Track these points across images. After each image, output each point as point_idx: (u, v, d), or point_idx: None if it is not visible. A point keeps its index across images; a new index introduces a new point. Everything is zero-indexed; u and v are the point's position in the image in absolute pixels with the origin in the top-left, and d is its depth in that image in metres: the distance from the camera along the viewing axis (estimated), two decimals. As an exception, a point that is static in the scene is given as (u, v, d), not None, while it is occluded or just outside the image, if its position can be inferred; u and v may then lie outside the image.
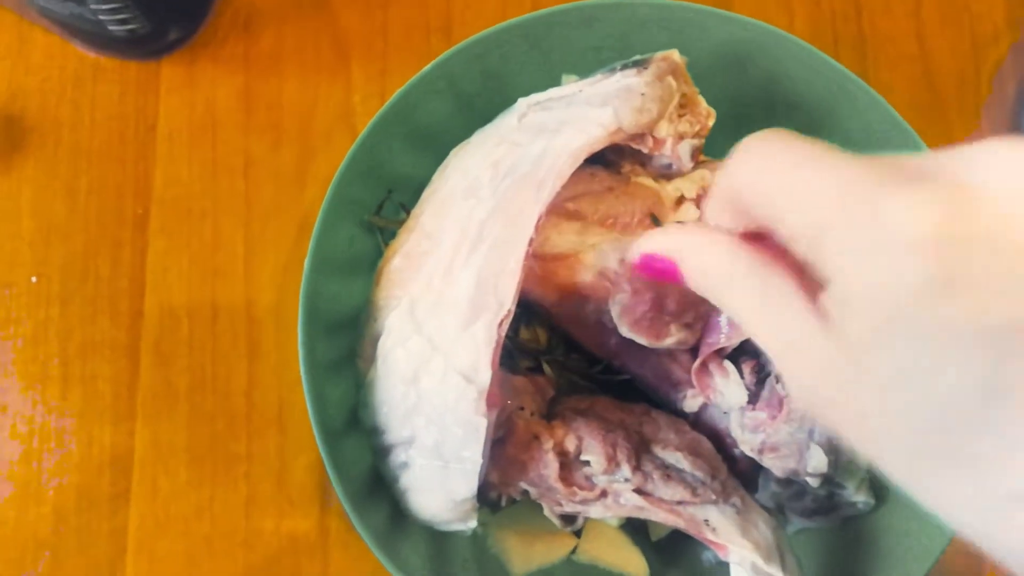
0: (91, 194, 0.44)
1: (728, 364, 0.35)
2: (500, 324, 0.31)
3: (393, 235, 0.37)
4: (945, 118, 0.47)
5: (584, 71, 0.38)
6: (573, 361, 0.37)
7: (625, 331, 0.34)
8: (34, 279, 0.43)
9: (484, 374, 0.31)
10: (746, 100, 0.39)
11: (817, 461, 0.32)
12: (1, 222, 0.44)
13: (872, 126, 0.37)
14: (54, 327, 0.43)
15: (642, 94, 0.31)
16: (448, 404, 0.31)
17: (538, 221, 0.31)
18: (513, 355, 0.36)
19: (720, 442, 0.35)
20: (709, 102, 0.35)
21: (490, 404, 0.31)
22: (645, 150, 0.32)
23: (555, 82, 0.39)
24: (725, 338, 0.35)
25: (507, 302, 0.31)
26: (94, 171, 0.45)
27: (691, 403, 0.35)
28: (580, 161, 0.31)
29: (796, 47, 0.37)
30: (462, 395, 0.31)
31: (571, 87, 0.34)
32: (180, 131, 0.45)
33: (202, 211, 0.44)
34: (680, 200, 0.36)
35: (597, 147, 0.31)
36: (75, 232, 0.44)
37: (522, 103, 0.35)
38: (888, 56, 0.49)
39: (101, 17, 0.40)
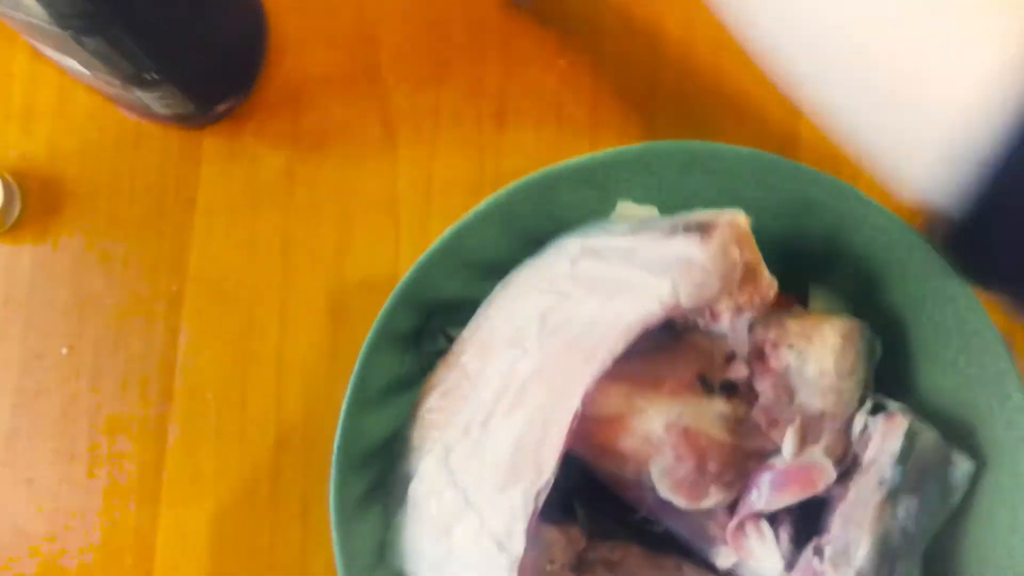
0: (127, 267, 0.44)
1: (766, 527, 0.34)
2: (537, 494, 0.30)
3: (432, 363, 0.36)
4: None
5: (643, 200, 0.37)
6: (607, 505, 0.36)
7: (665, 493, 0.33)
8: (65, 351, 0.43)
9: (518, 544, 0.30)
10: (806, 246, 0.37)
11: (851, 653, 0.31)
12: (38, 289, 0.43)
13: (933, 284, 0.35)
14: (83, 402, 0.42)
15: (703, 269, 0.30)
16: (479, 567, 0.31)
17: (585, 396, 0.30)
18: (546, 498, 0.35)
19: (750, 603, 0.35)
20: (764, 244, 0.33)
21: (522, 573, 0.30)
22: (701, 323, 0.31)
23: (610, 207, 0.37)
24: (764, 503, 0.34)
25: (547, 472, 0.30)
26: (131, 242, 0.44)
27: (724, 560, 0.35)
28: (633, 337, 0.30)
29: (865, 204, 0.35)
30: (494, 561, 0.31)
31: (629, 240, 0.32)
32: (219, 205, 0.44)
33: (237, 292, 0.44)
34: (731, 357, 0.34)
35: (652, 323, 0.30)
36: (109, 305, 0.43)
37: (575, 245, 0.34)
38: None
39: (145, 100, 0.39)
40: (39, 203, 0.44)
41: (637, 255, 0.32)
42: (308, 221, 0.44)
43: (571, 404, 0.30)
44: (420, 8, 0.45)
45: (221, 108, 0.43)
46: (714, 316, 0.31)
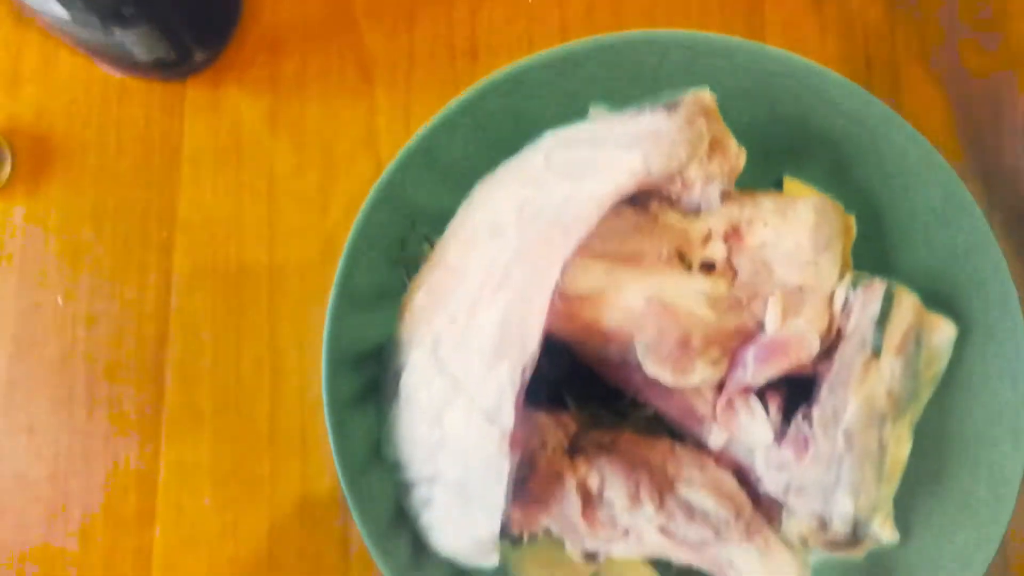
0: (117, 217, 0.45)
1: (754, 401, 0.35)
2: (524, 368, 0.31)
3: (417, 269, 0.37)
4: (982, 142, 0.46)
5: (613, 102, 0.38)
6: (596, 393, 0.36)
7: (650, 369, 0.34)
8: (60, 300, 0.44)
9: (507, 417, 0.31)
10: (777, 133, 0.38)
11: (843, 507, 0.31)
12: (31, 243, 0.44)
13: (908, 160, 0.36)
14: (80, 349, 0.43)
15: (672, 139, 0.31)
16: (471, 444, 0.31)
17: (563, 268, 0.31)
18: (535, 387, 0.36)
19: (744, 478, 0.35)
20: (737, 134, 0.34)
21: (513, 446, 0.31)
22: (674, 193, 0.32)
23: (583, 112, 0.38)
24: (751, 376, 0.34)
25: (531, 346, 0.31)
26: (120, 194, 0.45)
27: (716, 439, 0.35)
28: (607, 208, 0.31)
29: (831, 81, 0.36)
30: (485, 437, 0.31)
31: (599, 126, 0.33)
32: (205, 154, 0.45)
33: (226, 235, 0.45)
34: (708, 237, 0.35)
35: (625, 194, 0.31)
36: (101, 254, 0.44)
37: (549, 139, 0.35)
38: (923, 77, 0.48)
39: (126, 44, 0.40)
40: (29, 161, 0.45)
41: (606, 139, 0.33)
42: (292, 164, 0.45)
43: (551, 276, 0.31)
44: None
45: (200, 57, 0.44)
46: (686, 185, 0.32)
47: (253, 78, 0.46)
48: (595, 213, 0.31)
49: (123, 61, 0.43)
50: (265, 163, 0.45)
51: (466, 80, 0.46)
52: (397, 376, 0.34)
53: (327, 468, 0.42)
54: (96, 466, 0.42)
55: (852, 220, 0.37)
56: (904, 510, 0.35)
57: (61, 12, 0.37)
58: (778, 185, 0.40)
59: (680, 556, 0.32)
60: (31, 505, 0.42)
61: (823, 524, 0.34)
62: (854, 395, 0.33)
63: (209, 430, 0.43)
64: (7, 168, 0.44)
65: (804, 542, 0.35)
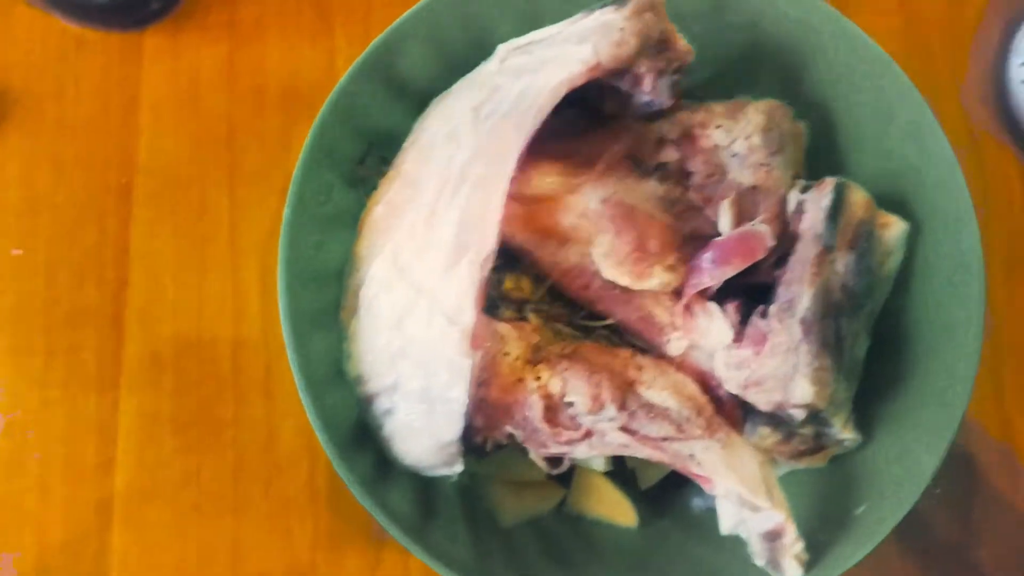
0: (76, 165, 0.44)
1: (712, 304, 0.35)
2: (483, 263, 0.31)
3: (375, 188, 0.37)
4: (930, 56, 0.47)
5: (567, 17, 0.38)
6: (557, 308, 0.36)
7: (608, 272, 0.34)
8: (17, 251, 0.43)
9: (468, 315, 0.31)
10: (728, 44, 0.39)
11: (802, 392, 0.31)
12: (-14, 193, 0.44)
13: (856, 63, 0.37)
14: (39, 298, 0.43)
15: (620, 28, 0.31)
16: (433, 347, 0.31)
17: (519, 157, 0.31)
18: (497, 304, 0.36)
19: (706, 384, 0.35)
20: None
21: (475, 345, 0.31)
22: (625, 87, 0.32)
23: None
24: (708, 277, 0.34)
25: (490, 240, 0.31)
26: (79, 143, 0.44)
27: (676, 346, 0.35)
28: (560, 96, 0.31)
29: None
30: (446, 337, 0.31)
31: (551, 29, 0.34)
32: (164, 101, 0.45)
33: (188, 179, 0.44)
34: (662, 140, 0.36)
35: (577, 82, 0.31)
36: (61, 203, 0.44)
37: (502, 48, 0.35)
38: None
39: (82, -16, 0.40)
40: (-15, 113, 0.45)
41: (559, 37, 0.33)
42: (252, 107, 0.45)
43: (507, 169, 0.31)
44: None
45: (156, 4, 0.44)
46: (637, 79, 0.32)
47: (211, 25, 0.46)
48: (548, 103, 0.31)
49: (79, 8, 0.43)
50: (225, 108, 0.45)
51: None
52: (357, 291, 0.34)
53: (292, 409, 0.41)
54: (55, 416, 0.41)
55: (802, 127, 0.38)
56: (864, 410, 0.35)
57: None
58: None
59: (642, 453, 0.32)
60: (-12, 454, 0.41)
61: (788, 435, 0.34)
62: (808, 286, 0.33)
63: (170, 375, 0.42)
64: (-37, 120, 0.44)
65: (768, 452, 0.36)
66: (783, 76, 0.39)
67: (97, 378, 0.42)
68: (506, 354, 0.34)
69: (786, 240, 0.36)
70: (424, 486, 0.34)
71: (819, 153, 0.38)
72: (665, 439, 0.32)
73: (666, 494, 0.37)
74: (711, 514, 0.34)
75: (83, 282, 0.43)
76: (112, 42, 0.46)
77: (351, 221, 0.36)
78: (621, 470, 0.38)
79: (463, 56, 0.37)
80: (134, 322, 0.42)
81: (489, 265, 0.31)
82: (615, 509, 0.37)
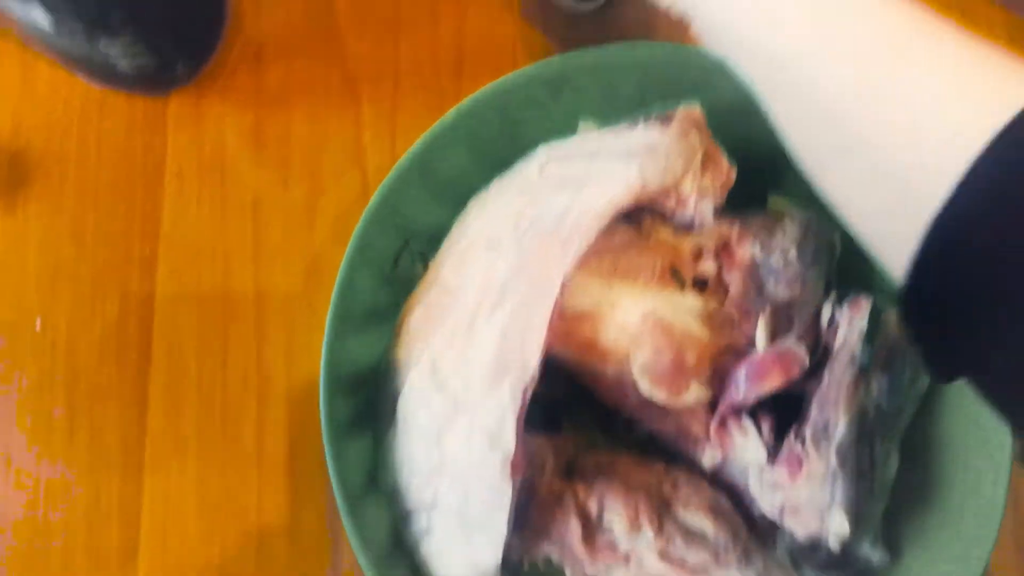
0: (98, 233, 0.43)
1: (747, 420, 0.35)
2: (525, 388, 0.31)
3: (411, 287, 0.36)
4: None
5: (602, 116, 0.38)
6: (592, 415, 0.36)
7: (645, 388, 0.34)
8: (39, 323, 0.42)
9: (509, 440, 0.31)
10: (759, 148, 0.38)
11: (839, 524, 0.32)
12: (6, 262, 0.43)
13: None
14: (60, 373, 0.42)
15: (666, 152, 0.31)
16: (472, 467, 0.31)
17: (564, 282, 0.31)
18: (531, 408, 0.36)
19: (739, 499, 0.35)
20: (724, 148, 0.35)
21: (515, 470, 0.31)
22: (669, 206, 0.32)
23: (573, 126, 0.38)
24: (743, 395, 0.35)
25: (532, 365, 0.31)
26: (101, 210, 0.44)
27: (709, 460, 0.35)
28: (606, 221, 0.31)
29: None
30: (486, 460, 0.31)
31: (593, 139, 0.34)
32: (188, 168, 0.44)
33: (211, 251, 0.44)
34: (699, 253, 0.36)
35: (623, 207, 0.31)
36: (82, 273, 0.43)
37: (542, 152, 0.35)
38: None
39: (110, 55, 0.39)
40: (7, 177, 0.44)
41: (600, 151, 0.33)
42: (277, 178, 0.45)
43: (551, 290, 0.31)
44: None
45: (183, 69, 0.43)
46: (680, 201, 0.32)
47: (237, 91, 0.45)
48: (594, 226, 0.31)
49: (105, 73, 0.42)
50: (250, 178, 0.45)
51: (452, 93, 0.46)
52: (394, 399, 0.34)
53: (317, 496, 0.41)
54: (77, 498, 0.41)
55: (836, 237, 0.38)
56: (893, 527, 0.35)
57: (44, 21, 0.36)
58: (763, 204, 0.40)
59: (680, 578, 0.32)
60: (8, 538, 0.40)
61: (815, 545, 0.35)
62: (844, 411, 0.34)
63: (193, 458, 0.41)
64: (-18, 185, 0.43)
65: (795, 561, 0.36)
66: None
67: (120, 458, 0.41)
68: (542, 468, 0.34)
69: (818, 350, 0.36)
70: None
71: (850, 259, 0.38)
72: (703, 568, 0.32)
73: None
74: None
75: (104, 358, 0.42)
76: (136, 105, 0.45)
77: (385, 319, 0.36)
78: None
79: (500, 153, 0.37)
80: (157, 402, 0.42)
81: (531, 391, 0.31)
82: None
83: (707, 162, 0.32)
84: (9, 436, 0.41)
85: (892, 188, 0.20)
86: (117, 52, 0.38)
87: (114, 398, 0.42)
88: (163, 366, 0.42)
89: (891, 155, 0.20)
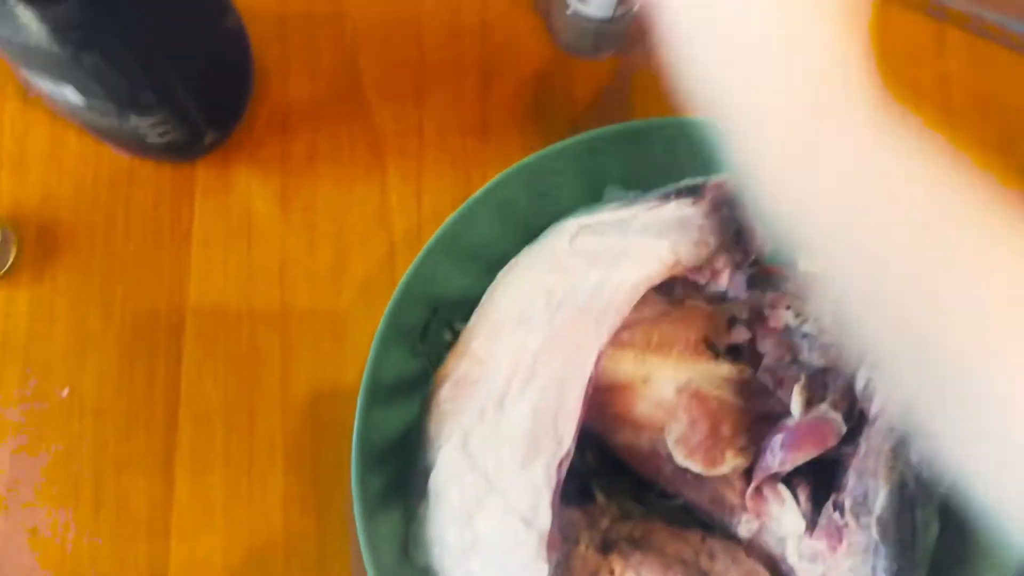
0: (126, 303, 0.44)
1: (783, 488, 0.35)
2: (560, 465, 0.30)
3: (439, 356, 0.36)
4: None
5: (631, 184, 0.38)
6: (625, 483, 0.36)
7: (681, 460, 0.34)
8: (65, 393, 0.42)
9: (544, 518, 0.30)
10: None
11: (884, 601, 0.31)
12: (35, 332, 0.43)
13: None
14: (87, 442, 0.42)
15: (699, 226, 0.31)
16: (507, 548, 0.31)
17: (598, 359, 0.30)
18: (564, 480, 0.35)
19: (776, 569, 0.35)
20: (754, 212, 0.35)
21: (550, 548, 0.30)
22: (702, 280, 0.32)
23: (599, 193, 0.38)
24: (779, 463, 0.34)
25: (567, 442, 0.30)
26: (129, 279, 0.44)
27: (746, 528, 0.35)
28: (639, 296, 0.31)
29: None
30: (521, 539, 0.30)
31: (622, 210, 0.34)
32: (215, 235, 0.45)
33: (237, 318, 0.44)
34: (732, 322, 0.35)
35: (656, 281, 0.31)
36: (109, 342, 0.43)
37: (572, 224, 0.35)
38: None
39: (139, 128, 0.40)
40: (35, 247, 0.44)
41: (632, 224, 0.33)
42: (304, 243, 0.45)
43: (585, 368, 0.30)
44: (397, 30, 0.47)
45: (210, 138, 0.44)
46: (714, 274, 0.32)
47: (263, 158, 0.46)
48: (627, 302, 0.31)
49: (134, 144, 0.43)
50: (276, 243, 0.45)
51: (476, 156, 0.46)
52: (425, 474, 0.34)
53: (343, 560, 0.41)
54: (104, 569, 0.40)
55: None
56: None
57: (76, 99, 0.37)
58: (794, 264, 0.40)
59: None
60: (36, 609, 0.40)
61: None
62: (885, 481, 0.33)
63: (221, 523, 0.41)
64: (11, 254, 0.43)
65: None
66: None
67: (148, 525, 0.41)
68: (577, 543, 0.33)
69: (853, 416, 0.35)
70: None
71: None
72: (743, 647, 0.31)
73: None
74: None
75: (131, 426, 0.42)
76: (164, 173, 0.45)
77: (413, 389, 0.36)
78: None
79: (528, 220, 0.37)
80: (184, 469, 0.42)
81: (565, 468, 0.31)
82: None
83: (741, 235, 0.32)
84: (35, 507, 0.41)
85: None
86: (147, 126, 0.39)
87: (141, 465, 0.42)
88: (190, 433, 0.42)
89: None
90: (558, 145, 0.36)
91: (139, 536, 0.41)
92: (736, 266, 0.32)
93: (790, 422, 0.35)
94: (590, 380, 0.30)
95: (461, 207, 0.35)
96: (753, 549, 0.35)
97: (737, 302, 0.35)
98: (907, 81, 0.44)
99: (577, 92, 0.48)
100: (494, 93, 0.47)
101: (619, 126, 0.36)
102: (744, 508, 0.35)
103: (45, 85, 0.36)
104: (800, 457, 0.34)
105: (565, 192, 0.37)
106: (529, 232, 0.37)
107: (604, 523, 0.34)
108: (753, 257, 0.32)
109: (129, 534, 0.41)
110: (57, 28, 0.28)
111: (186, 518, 0.41)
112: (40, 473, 0.41)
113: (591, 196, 0.38)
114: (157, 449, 0.42)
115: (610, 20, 0.43)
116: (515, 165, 0.35)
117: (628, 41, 0.48)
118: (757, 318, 0.35)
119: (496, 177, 0.35)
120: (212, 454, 0.42)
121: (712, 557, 0.33)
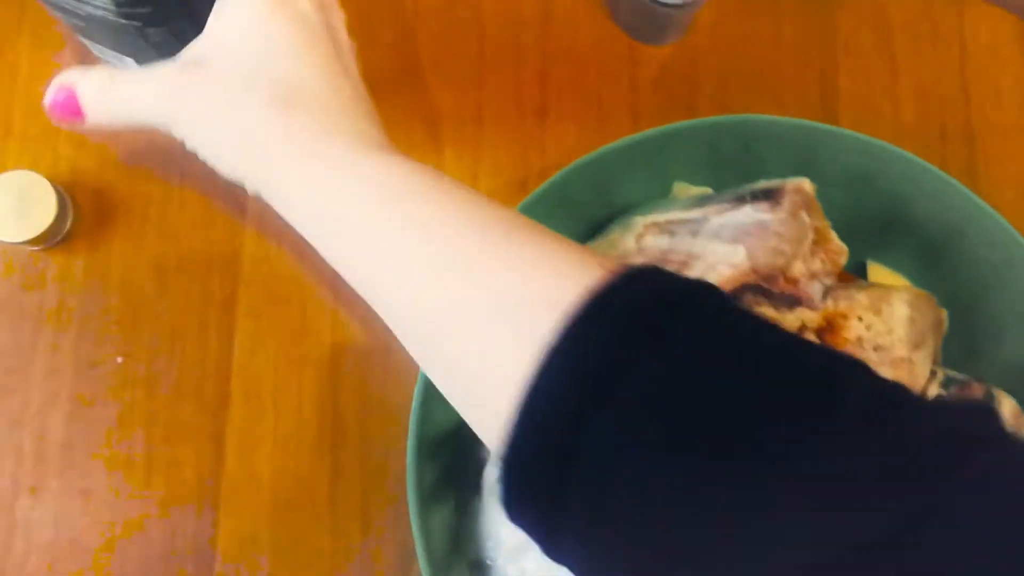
0: (180, 273, 0.44)
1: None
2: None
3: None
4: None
5: (698, 181, 0.37)
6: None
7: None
8: (120, 359, 0.43)
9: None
10: (864, 216, 0.37)
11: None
12: (91, 299, 0.43)
13: (998, 256, 0.35)
14: (140, 410, 0.42)
15: (776, 232, 0.30)
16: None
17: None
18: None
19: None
20: (826, 215, 0.33)
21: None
22: (776, 289, 0.31)
23: (666, 188, 0.37)
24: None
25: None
26: (183, 249, 0.44)
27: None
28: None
29: (919, 168, 0.35)
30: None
31: (693, 211, 0.32)
32: (269, 208, 0.44)
33: (288, 293, 0.44)
34: (802, 329, 0.34)
35: (728, 289, 0.30)
36: (162, 312, 0.43)
37: (637, 222, 0.34)
38: (999, 149, 0.47)
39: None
40: (91, 214, 0.44)
41: (704, 227, 0.32)
42: (357, 222, 0.44)
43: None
44: (456, 7, 0.46)
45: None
46: (790, 282, 0.31)
47: (319, 133, 0.45)
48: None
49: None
50: (329, 221, 0.44)
51: (535, 139, 0.45)
52: (480, 466, 0.33)
53: (389, 539, 0.41)
54: (154, 535, 0.41)
55: (944, 314, 0.36)
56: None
57: (134, 67, 0.36)
58: (861, 269, 0.39)
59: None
60: (86, 573, 0.41)
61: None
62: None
63: (268, 497, 0.42)
64: (69, 220, 0.43)
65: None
66: (920, 251, 0.37)
67: (196, 496, 0.42)
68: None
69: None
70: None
71: (955, 335, 0.37)
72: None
73: None
74: None
75: (182, 397, 0.42)
76: (219, 145, 0.45)
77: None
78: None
79: (593, 214, 0.36)
80: (234, 441, 0.42)
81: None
82: None
83: (818, 242, 0.30)
84: (89, 470, 0.42)
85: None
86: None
87: (191, 436, 0.42)
88: (240, 407, 0.42)
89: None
90: (623, 140, 0.35)
91: (187, 506, 0.41)
92: (812, 275, 0.31)
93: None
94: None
95: (523, 202, 0.34)
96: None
97: (807, 311, 0.34)
98: (988, 80, 0.42)
99: (639, 77, 0.46)
100: (554, 76, 0.46)
101: (693, 122, 0.35)
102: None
103: (104, 54, 0.36)
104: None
105: (630, 190, 0.36)
106: (594, 226, 0.36)
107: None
108: (829, 266, 0.31)
109: (178, 503, 0.41)
110: (125, 2, 0.27)
111: (234, 491, 0.41)
112: (94, 437, 0.42)
113: (658, 194, 0.37)
114: (207, 422, 0.42)
115: (681, 6, 0.42)
116: (577, 161, 0.34)
117: (693, 26, 0.46)
118: (828, 328, 0.34)
119: (557, 173, 0.34)
120: (261, 429, 0.42)
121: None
